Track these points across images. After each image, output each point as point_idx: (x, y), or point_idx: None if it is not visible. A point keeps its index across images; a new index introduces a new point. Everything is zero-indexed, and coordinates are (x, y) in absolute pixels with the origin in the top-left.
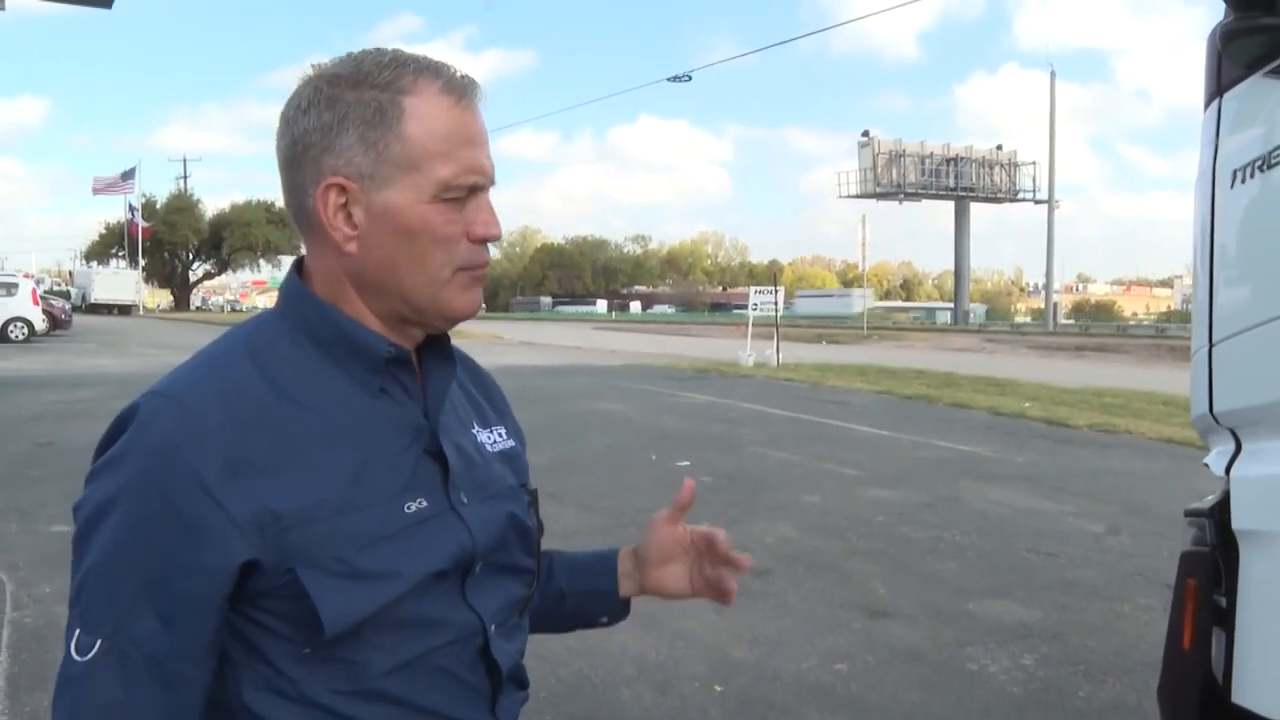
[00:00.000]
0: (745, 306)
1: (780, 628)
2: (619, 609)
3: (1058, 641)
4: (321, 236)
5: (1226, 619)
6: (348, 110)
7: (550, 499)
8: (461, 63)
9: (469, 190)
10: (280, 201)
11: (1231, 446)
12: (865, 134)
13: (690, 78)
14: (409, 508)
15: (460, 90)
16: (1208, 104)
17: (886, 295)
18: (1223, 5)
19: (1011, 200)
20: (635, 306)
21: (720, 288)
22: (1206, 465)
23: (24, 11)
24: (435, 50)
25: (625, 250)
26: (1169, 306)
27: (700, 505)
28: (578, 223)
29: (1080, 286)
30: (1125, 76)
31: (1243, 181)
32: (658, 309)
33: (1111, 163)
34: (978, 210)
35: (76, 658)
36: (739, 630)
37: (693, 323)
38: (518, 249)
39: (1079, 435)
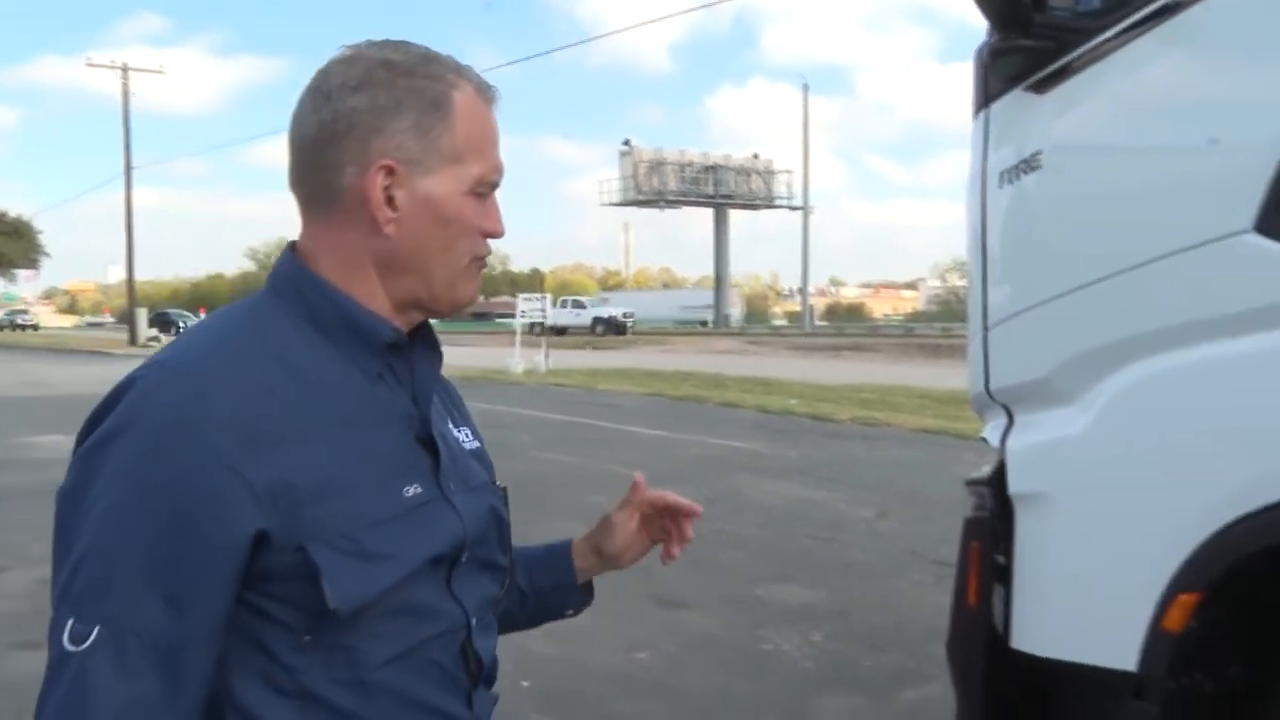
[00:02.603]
0: (508, 316)
1: (581, 622)
2: (581, 599)
3: (842, 619)
4: (355, 216)
5: (1005, 576)
6: (404, 96)
7: None
8: (211, 67)
9: (491, 187)
10: (14, 210)
11: (1005, 420)
12: (626, 143)
13: None
14: (408, 492)
15: (490, 93)
16: (976, 113)
17: None
18: (987, 25)
19: (768, 207)
20: None
21: (482, 297)
22: (984, 439)
23: None
24: (185, 54)
25: None
26: (914, 308)
27: None
28: None
29: (833, 290)
30: (867, 91)
31: (1010, 183)
32: None
33: (858, 172)
34: (736, 217)
35: (70, 648)
36: (541, 627)
37: (455, 332)
38: (274, 261)
39: (844, 429)
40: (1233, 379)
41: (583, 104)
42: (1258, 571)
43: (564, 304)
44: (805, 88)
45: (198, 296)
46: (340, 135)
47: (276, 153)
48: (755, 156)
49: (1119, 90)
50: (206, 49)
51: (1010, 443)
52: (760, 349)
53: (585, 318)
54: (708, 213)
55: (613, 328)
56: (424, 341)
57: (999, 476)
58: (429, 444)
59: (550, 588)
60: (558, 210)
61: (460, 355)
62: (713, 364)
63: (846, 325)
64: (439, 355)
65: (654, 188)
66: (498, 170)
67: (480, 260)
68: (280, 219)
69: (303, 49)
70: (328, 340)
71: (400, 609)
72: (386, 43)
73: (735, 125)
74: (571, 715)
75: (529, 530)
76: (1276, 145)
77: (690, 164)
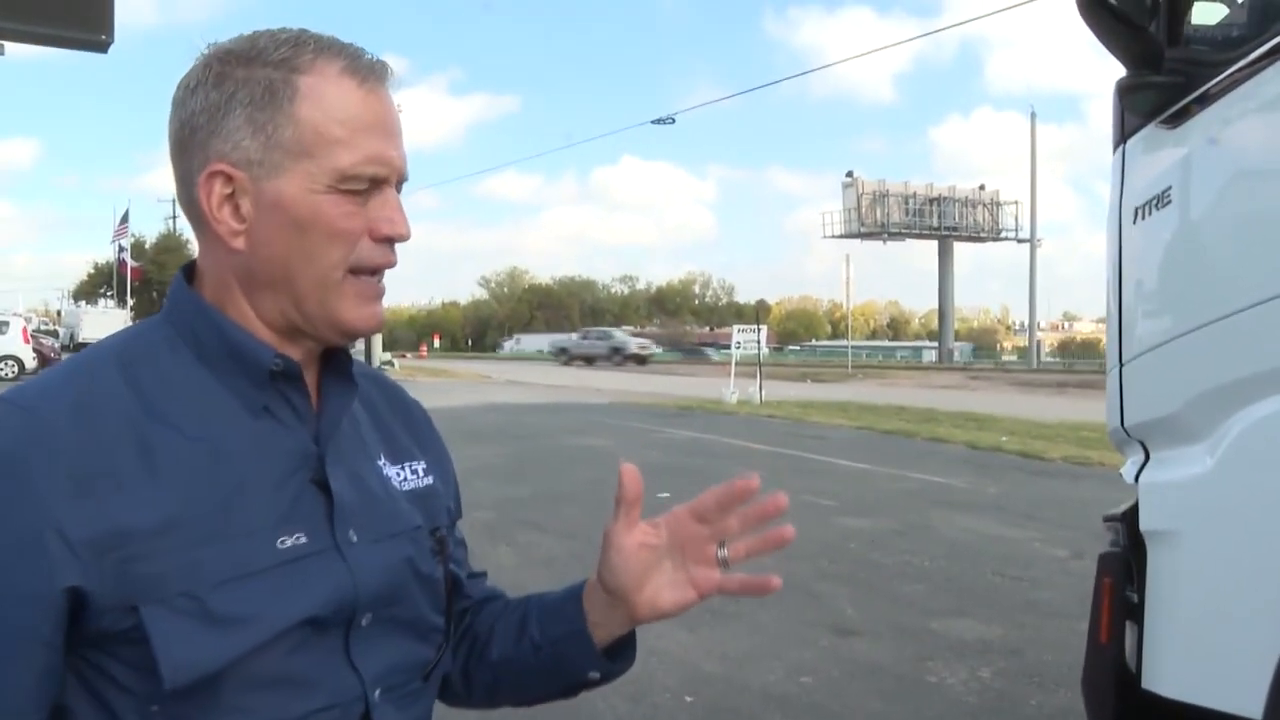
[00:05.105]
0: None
1: (751, 644)
2: (604, 662)
3: (1015, 656)
4: (208, 232)
5: (1137, 614)
6: (236, 89)
7: (533, 528)
8: (447, 106)
9: (371, 182)
10: None
11: (1141, 456)
12: (849, 174)
13: (674, 120)
14: (283, 542)
15: (366, 72)
16: (1115, 149)
17: (874, 335)
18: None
19: (995, 239)
20: None
21: (708, 328)
22: (1121, 475)
23: (20, 55)
24: (419, 94)
25: (612, 290)
26: None
27: None
28: (564, 263)
29: (1067, 324)
30: (1099, 117)
31: (1143, 218)
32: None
33: (1091, 202)
34: (962, 249)
35: None
36: (710, 647)
37: (680, 362)
38: (505, 289)
39: (1052, 467)
40: None
41: (805, 135)
42: None
43: None
44: (1033, 116)
45: (431, 323)
46: (186, 144)
47: (506, 185)
48: (981, 188)
49: (1246, 125)
50: (442, 88)
51: (1144, 479)
52: (982, 384)
53: None
54: (931, 245)
55: None
56: (335, 373)
57: (1133, 513)
58: (325, 487)
59: (563, 636)
60: (782, 242)
61: (679, 385)
62: (930, 399)
63: (1077, 361)
64: (353, 387)
65: (877, 220)
66: (376, 161)
67: (370, 273)
68: (514, 248)
69: (532, 87)
70: (209, 370)
71: (274, 679)
72: (252, 33)
73: (960, 155)
74: None
75: None
76: None
77: (914, 195)
